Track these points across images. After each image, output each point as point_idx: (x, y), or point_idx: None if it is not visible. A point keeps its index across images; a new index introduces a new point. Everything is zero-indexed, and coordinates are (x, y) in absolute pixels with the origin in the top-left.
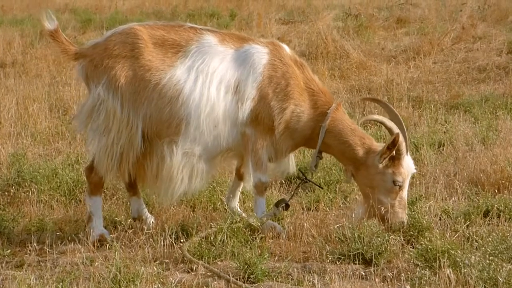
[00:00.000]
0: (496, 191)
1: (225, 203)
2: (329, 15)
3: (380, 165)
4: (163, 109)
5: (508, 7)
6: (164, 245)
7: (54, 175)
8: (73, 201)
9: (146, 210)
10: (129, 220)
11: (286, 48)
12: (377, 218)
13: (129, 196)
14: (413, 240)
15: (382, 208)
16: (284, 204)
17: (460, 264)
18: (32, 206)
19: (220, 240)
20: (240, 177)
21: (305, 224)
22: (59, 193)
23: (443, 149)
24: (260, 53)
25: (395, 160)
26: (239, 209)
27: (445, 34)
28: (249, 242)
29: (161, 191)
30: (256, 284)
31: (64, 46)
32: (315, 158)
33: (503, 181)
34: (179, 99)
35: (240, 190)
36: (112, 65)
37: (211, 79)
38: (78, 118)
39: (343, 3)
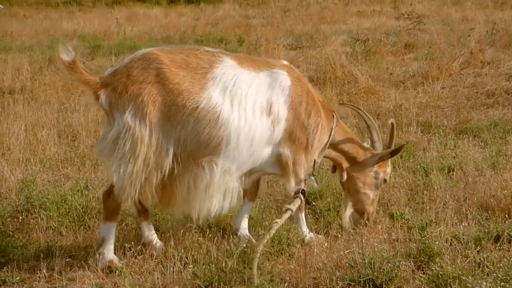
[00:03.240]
0: (507, 216)
1: (234, 227)
2: (337, 41)
3: (376, 165)
4: (201, 132)
5: None
6: (173, 271)
7: (63, 201)
8: (82, 227)
9: (155, 235)
10: (138, 247)
11: (293, 67)
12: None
13: (139, 222)
14: (423, 265)
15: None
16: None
17: None
18: (41, 232)
19: (231, 266)
20: (250, 197)
21: (315, 250)
22: (68, 219)
23: (452, 174)
24: (283, 75)
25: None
26: (248, 233)
27: (454, 59)
28: (259, 268)
29: (193, 211)
30: None
31: (84, 77)
32: (322, 154)
33: None
34: (218, 121)
35: (249, 212)
36: (138, 91)
37: (246, 101)
38: (100, 146)
39: (351, 28)
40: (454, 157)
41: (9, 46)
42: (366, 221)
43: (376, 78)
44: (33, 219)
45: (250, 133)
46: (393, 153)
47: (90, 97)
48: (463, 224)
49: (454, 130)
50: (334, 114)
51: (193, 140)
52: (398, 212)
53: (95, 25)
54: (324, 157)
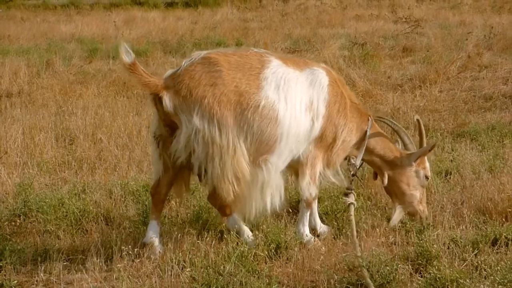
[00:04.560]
0: (504, 219)
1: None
2: (335, 44)
3: (414, 164)
4: (264, 130)
5: None
6: (171, 275)
7: (60, 204)
8: (79, 230)
9: (158, 238)
10: (136, 249)
11: (330, 69)
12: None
13: (151, 218)
14: (421, 269)
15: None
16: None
17: None
18: (39, 236)
19: (228, 270)
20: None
21: (313, 253)
22: (65, 223)
23: (450, 178)
24: (322, 75)
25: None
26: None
27: (451, 63)
28: (257, 272)
29: (248, 209)
30: None
31: (144, 79)
32: (360, 157)
33: (510, 210)
34: (277, 119)
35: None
36: (203, 94)
37: (296, 99)
38: (174, 148)
39: (349, 32)
40: (451, 161)
41: (6, 49)
42: (420, 221)
43: (374, 81)
44: (31, 222)
45: (298, 129)
46: (431, 148)
47: (147, 98)
48: (461, 227)
49: (451, 134)
50: (370, 118)
51: (257, 139)
52: None
53: (93, 28)
54: (363, 160)
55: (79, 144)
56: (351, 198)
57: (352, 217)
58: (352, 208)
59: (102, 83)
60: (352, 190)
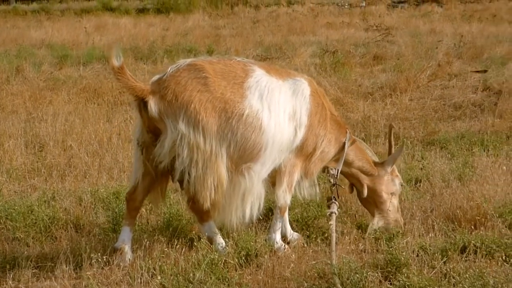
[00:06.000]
0: (473, 227)
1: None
2: (306, 52)
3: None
4: (248, 138)
5: (484, 45)
6: (141, 282)
7: (29, 212)
8: (49, 238)
9: (129, 245)
10: (105, 257)
11: (312, 80)
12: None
13: (124, 224)
14: (391, 276)
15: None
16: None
17: None
18: (7, 243)
19: (198, 277)
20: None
21: (283, 260)
22: (34, 230)
23: (419, 185)
24: (304, 85)
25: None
26: (296, 233)
27: (421, 71)
28: (227, 279)
29: (228, 218)
30: None
31: (131, 83)
32: (339, 168)
33: (479, 218)
34: (261, 127)
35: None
36: (189, 99)
37: (279, 108)
38: (157, 153)
39: (320, 39)
40: (421, 169)
41: None
42: (400, 229)
43: (345, 89)
44: None
45: (282, 138)
46: (400, 151)
47: (132, 103)
48: (430, 235)
49: (421, 142)
50: (348, 131)
51: (241, 146)
52: (365, 223)
53: (64, 34)
54: (342, 173)
55: (49, 151)
56: (333, 208)
57: (333, 227)
58: (334, 218)
59: (72, 89)
60: (334, 200)
